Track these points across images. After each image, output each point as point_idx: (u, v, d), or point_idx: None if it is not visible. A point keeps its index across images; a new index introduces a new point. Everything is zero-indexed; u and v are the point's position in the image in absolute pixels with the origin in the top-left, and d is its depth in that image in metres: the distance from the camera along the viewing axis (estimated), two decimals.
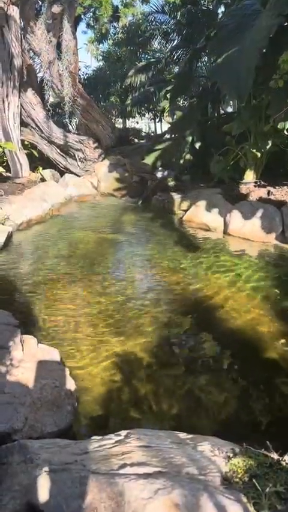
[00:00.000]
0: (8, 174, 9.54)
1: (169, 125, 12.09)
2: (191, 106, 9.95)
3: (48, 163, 10.50)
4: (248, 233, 6.08)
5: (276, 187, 7.14)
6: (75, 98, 9.72)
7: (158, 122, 18.22)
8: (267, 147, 7.16)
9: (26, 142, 10.06)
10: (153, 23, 12.44)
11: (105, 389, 2.80)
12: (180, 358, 3.22)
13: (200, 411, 2.63)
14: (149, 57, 16.33)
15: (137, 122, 19.14)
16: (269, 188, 7.16)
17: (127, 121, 17.44)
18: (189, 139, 8.44)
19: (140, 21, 16.03)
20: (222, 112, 11.00)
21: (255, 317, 3.79)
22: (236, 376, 3.00)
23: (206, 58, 10.31)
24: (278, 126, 6.01)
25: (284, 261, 5.26)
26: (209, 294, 4.26)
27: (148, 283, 4.72)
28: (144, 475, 1.60)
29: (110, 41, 19.10)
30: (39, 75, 10.61)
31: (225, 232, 6.41)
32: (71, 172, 10.38)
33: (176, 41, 11.71)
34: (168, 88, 10.36)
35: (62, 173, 10.39)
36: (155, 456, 1.76)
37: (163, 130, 15.54)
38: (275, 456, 1.77)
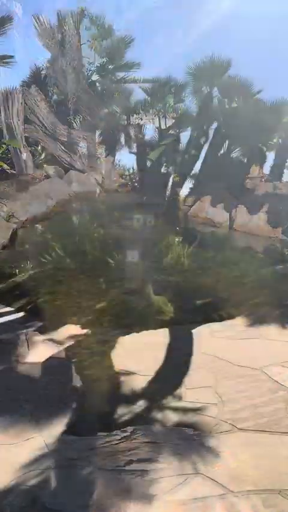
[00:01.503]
0: (13, 171, 9.53)
1: (173, 121, 11.99)
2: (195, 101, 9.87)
3: (52, 160, 10.47)
4: (254, 228, 6.03)
5: (283, 182, 7.06)
6: (79, 94, 9.68)
7: (162, 117, 18.11)
8: (273, 141, 7.08)
9: (30, 139, 10.04)
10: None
11: (111, 385, 2.78)
12: (185, 353, 3.19)
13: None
14: None
15: (141, 119, 19.05)
16: (275, 183, 7.08)
17: (131, 117, 17.35)
18: (194, 133, 8.37)
19: None
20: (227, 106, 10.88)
21: (260, 315, 3.75)
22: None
23: None
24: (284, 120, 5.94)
25: None
26: (213, 289, 4.23)
27: (153, 279, 4.68)
28: (151, 471, 1.58)
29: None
30: (43, 71, 10.58)
31: (230, 227, 6.37)
32: (75, 169, 10.35)
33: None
34: (173, 83, 10.32)
35: (66, 170, 10.35)
36: (162, 452, 1.74)
37: (167, 126, 15.43)
38: None
